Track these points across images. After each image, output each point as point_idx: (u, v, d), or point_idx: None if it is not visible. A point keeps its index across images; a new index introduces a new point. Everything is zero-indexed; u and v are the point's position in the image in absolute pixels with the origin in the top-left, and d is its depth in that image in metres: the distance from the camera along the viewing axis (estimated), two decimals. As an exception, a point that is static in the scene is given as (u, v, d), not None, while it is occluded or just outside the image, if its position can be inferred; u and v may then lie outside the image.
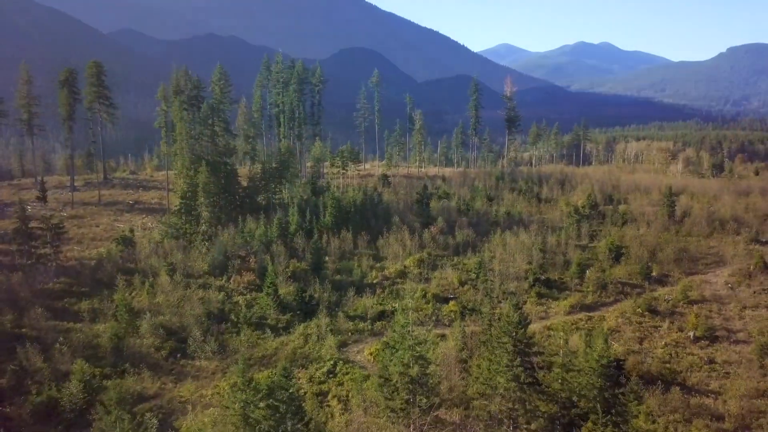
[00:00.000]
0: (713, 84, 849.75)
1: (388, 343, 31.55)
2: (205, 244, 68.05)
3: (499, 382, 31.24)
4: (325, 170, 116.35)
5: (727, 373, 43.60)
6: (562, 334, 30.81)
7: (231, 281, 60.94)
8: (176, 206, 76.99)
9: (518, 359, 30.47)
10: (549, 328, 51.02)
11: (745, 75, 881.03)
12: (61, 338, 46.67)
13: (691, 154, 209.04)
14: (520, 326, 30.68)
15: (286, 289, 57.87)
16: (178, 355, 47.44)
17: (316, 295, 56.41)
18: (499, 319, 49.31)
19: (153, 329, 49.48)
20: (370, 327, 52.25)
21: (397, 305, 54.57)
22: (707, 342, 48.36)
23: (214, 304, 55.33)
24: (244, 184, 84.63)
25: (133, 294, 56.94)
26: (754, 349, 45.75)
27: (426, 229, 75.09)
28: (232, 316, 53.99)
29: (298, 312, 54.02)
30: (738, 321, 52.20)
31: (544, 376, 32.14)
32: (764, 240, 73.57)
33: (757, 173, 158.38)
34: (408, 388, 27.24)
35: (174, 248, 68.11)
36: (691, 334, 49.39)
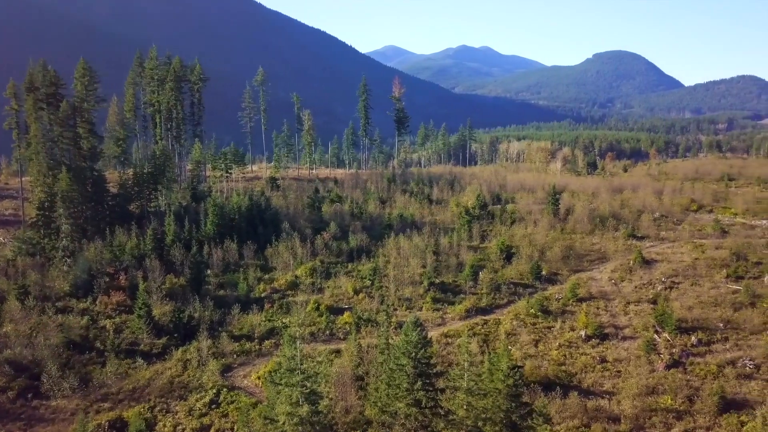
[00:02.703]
0: (582, 87, 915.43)
1: (273, 379, 27.83)
2: (66, 261, 60.11)
3: (399, 408, 28.60)
4: (208, 174, 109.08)
5: (619, 371, 44.12)
6: (466, 356, 28.52)
7: (97, 303, 53.93)
8: (32, 218, 67.87)
9: (419, 382, 27.99)
10: (446, 335, 49.72)
11: (609, 79, 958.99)
12: None
13: (568, 153, 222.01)
14: (420, 346, 28.19)
15: (162, 309, 52.07)
16: (30, 396, 41.01)
17: (196, 315, 51.10)
18: (396, 328, 47.12)
19: (-3, 367, 42.10)
20: (258, 347, 47.95)
21: (288, 320, 50.80)
22: (598, 340, 49.03)
23: (75, 330, 48.47)
24: (115, 191, 76.49)
25: (-26, 325, 48.58)
26: (641, 345, 46.94)
27: (318, 235, 71.64)
28: (98, 344, 47.53)
29: (176, 335, 48.60)
30: (623, 317, 53.63)
31: (447, 399, 29.92)
32: (640, 235, 77.49)
33: (625, 170, 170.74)
34: (297, 430, 23.77)
35: (29, 267, 59.57)
36: (582, 333, 49.93)
